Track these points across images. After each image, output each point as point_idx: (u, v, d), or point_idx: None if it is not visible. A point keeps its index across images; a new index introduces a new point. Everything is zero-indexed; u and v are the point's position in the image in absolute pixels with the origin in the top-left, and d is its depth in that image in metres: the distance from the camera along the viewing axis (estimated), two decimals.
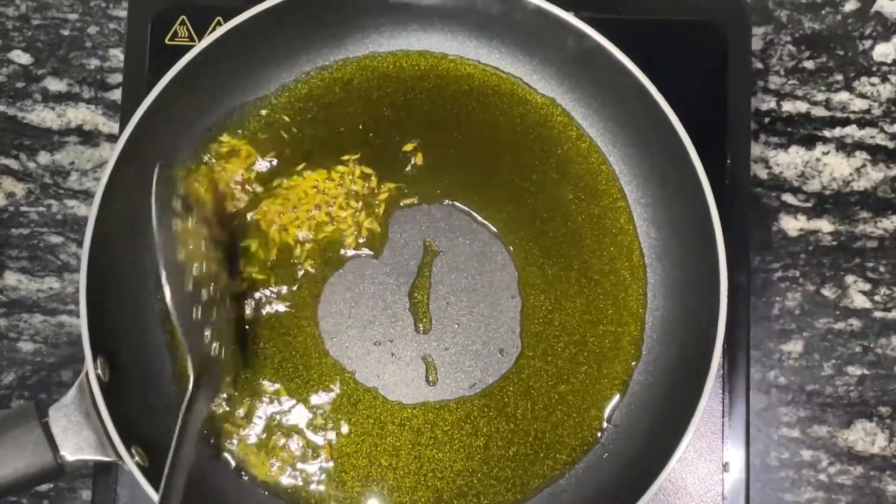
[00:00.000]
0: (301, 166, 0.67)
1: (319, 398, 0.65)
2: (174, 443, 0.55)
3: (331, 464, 0.64)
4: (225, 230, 0.65)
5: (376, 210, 0.66)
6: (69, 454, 0.57)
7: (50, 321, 0.70)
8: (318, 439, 0.64)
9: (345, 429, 0.64)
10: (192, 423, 0.57)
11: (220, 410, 0.64)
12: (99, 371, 0.58)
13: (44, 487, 0.68)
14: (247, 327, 0.65)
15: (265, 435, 0.64)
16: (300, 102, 0.68)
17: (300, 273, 0.66)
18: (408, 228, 0.67)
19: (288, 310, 0.66)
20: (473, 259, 0.66)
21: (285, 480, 0.64)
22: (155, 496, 0.56)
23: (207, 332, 0.59)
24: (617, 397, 0.65)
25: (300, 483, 0.64)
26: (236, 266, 0.65)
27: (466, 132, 0.67)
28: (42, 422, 0.56)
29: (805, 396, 0.69)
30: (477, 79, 0.68)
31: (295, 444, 0.64)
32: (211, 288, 0.60)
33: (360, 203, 0.66)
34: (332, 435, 0.64)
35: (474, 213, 0.67)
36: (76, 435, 0.57)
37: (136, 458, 0.57)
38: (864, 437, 0.69)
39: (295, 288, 0.66)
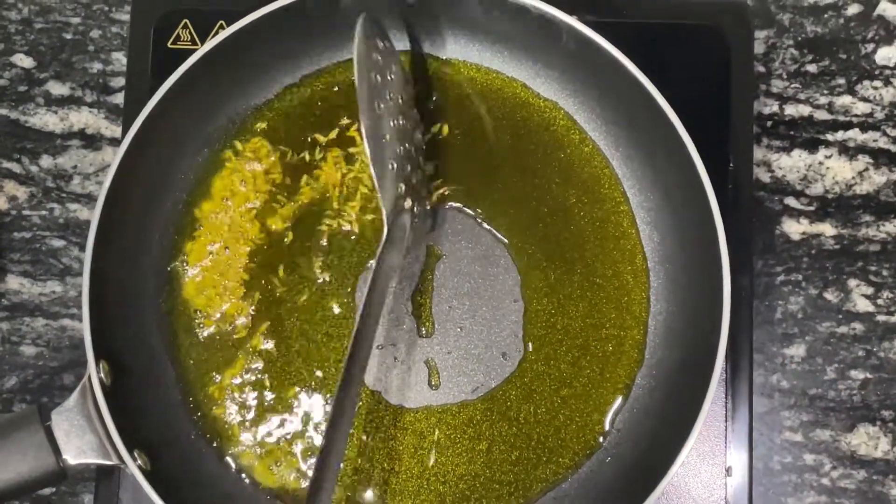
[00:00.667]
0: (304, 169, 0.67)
1: (322, 402, 0.65)
2: (366, 295, 0.57)
3: None
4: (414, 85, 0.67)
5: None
6: (72, 458, 0.57)
7: (52, 325, 0.70)
8: (320, 443, 0.64)
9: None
10: (383, 276, 0.59)
11: (225, 413, 0.64)
12: (101, 375, 0.58)
13: (46, 492, 0.68)
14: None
15: (268, 439, 0.64)
16: (302, 106, 0.68)
17: (303, 276, 0.66)
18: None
19: (290, 313, 0.66)
20: (476, 263, 0.66)
21: (288, 485, 0.64)
22: (157, 500, 0.56)
23: (402, 186, 0.60)
24: (620, 401, 0.65)
25: (303, 487, 0.64)
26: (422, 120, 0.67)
27: (468, 135, 0.67)
28: (45, 425, 0.56)
29: (808, 400, 0.69)
30: (479, 82, 0.68)
31: (298, 449, 0.64)
32: (406, 144, 0.62)
33: (359, 206, 0.66)
34: None
35: (477, 217, 0.67)
36: (79, 439, 0.57)
37: (139, 461, 0.57)
38: (867, 441, 0.68)
39: (297, 292, 0.66)
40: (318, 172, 0.67)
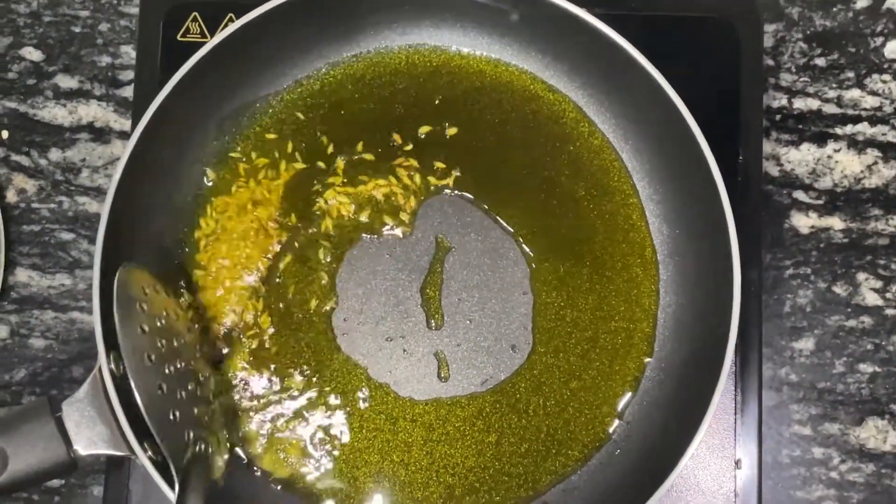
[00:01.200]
0: (319, 164, 0.67)
1: (332, 394, 0.65)
2: None
3: (343, 459, 0.64)
4: (203, 319, 0.65)
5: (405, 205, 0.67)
6: (82, 448, 0.56)
7: (61, 318, 0.70)
8: (329, 435, 0.64)
9: (357, 424, 0.64)
10: None
11: (234, 403, 0.64)
12: (112, 366, 0.58)
13: (55, 483, 0.68)
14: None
15: (278, 430, 0.64)
16: (312, 98, 0.68)
17: (312, 268, 0.66)
18: (420, 224, 0.67)
19: (300, 306, 0.66)
20: (485, 255, 0.66)
21: (298, 476, 0.64)
22: (168, 491, 0.56)
23: (190, 433, 0.57)
24: (629, 394, 0.65)
25: (312, 478, 0.64)
26: (220, 355, 0.65)
27: (478, 128, 0.67)
28: (55, 416, 0.56)
29: (816, 394, 0.69)
30: (489, 75, 0.68)
31: (307, 440, 0.64)
32: (190, 385, 0.59)
33: (367, 193, 0.67)
34: (344, 430, 0.64)
35: (486, 210, 0.67)
36: (89, 429, 0.57)
37: (149, 452, 0.57)
38: (876, 434, 0.68)
39: (306, 284, 0.66)
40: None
